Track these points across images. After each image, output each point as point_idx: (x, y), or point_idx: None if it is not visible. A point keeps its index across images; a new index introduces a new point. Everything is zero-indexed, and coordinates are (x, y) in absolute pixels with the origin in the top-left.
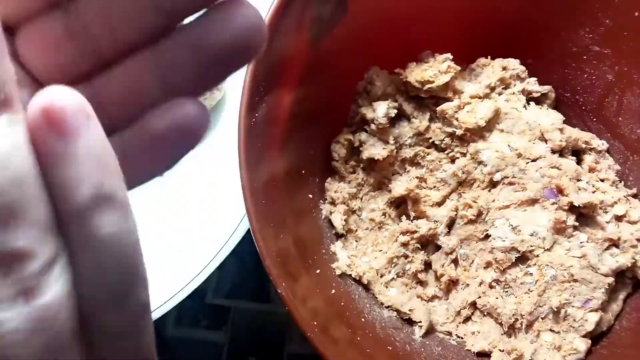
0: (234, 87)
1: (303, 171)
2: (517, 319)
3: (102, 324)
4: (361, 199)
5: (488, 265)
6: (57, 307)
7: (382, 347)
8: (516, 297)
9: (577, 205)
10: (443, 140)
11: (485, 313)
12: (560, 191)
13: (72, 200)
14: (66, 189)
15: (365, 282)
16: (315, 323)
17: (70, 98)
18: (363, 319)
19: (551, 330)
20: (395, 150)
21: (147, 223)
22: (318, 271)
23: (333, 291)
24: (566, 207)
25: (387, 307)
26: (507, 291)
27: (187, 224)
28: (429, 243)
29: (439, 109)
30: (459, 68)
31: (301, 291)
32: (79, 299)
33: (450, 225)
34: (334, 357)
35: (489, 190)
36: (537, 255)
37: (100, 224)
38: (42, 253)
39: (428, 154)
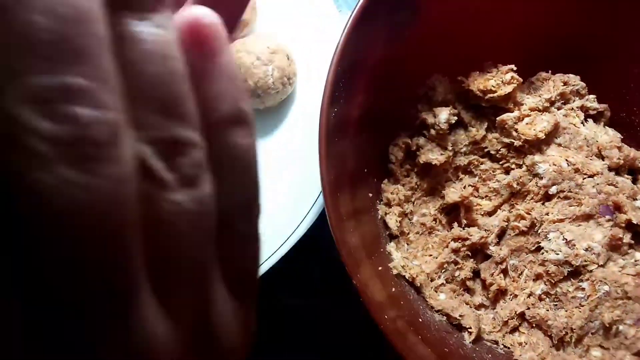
0: (305, 82)
1: (365, 170)
2: (566, 333)
3: (235, 228)
4: (413, 203)
5: (538, 277)
6: (212, 201)
7: (440, 347)
8: (566, 310)
9: (635, 222)
10: (499, 150)
11: (534, 325)
12: (617, 208)
13: (214, 115)
14: (209, 103)
15: (418, 285)
16: (386, 317)
17: (215, 18)
18: (420, 319)
19: (601, 347)
20: (451, 157)
21: None
22: (380, 268)
23: (393, 289)
24: (623, 225)
25: (438, 311)
26: (556, 304)
27: None
28: (478, 252)
29: (498, 118)
30: (521, 80)
31: (370, 285)
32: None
33: (500, 235)
34: (406, 350)
35: (543, 203)
36: (591, 271)
37: (238, 138)
38: (202, 146)
39: (482, 163)
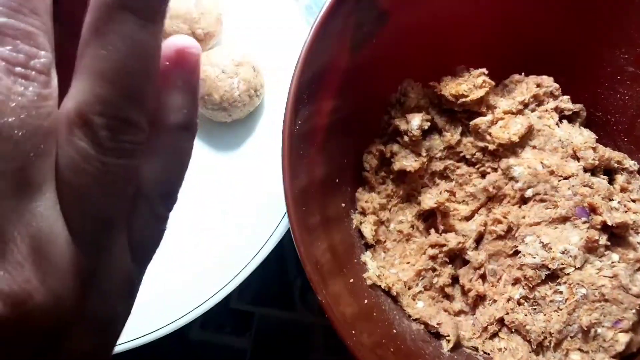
0: (272, 93)
1: (337, 180)
2: (545, 337)
3: (153, 208)
4: (390, 210)
5: (516, 281)
6: (134, 174)
7: (415, 359)
8: (545, 315)
9: (610, 224)
10: (474, 154)
11: (513, 330)
12: (593, 210)
13: (171, 117)
14: (170, 107)
15: (394, 294)
16: (353, 332)
17: (199, 50)
18: (394, 330)
19: (580, 350)
20: (426, 162)
21: (179, 231)
22: (352, 280)
23: (366, 301)
24: (599, 226)
25: (415, 319)
26: (535, 308)
27: (220, 232)
28: (456, 257)
29: (472, 123)
30: (493, 83)
31: (338, 299)
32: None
33: (478, 240)
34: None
35: (519, 207)
36: (568, 274)
37: (181, 140)
38: (145, 132)
39: (458, 168)
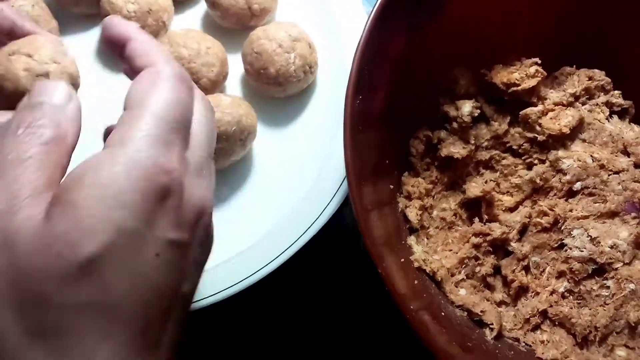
0: (325, 71)
1: (387, 161)
2: (590, 332)
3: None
4: (433, 197)
5: (561, 274)
6: None
7: (464, 341)
8: (590, 309)
9: None
10: (521, 145)
11: (557, 323)
12: None
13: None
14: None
15: (439, 279)
16: (411, 307)
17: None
18: (443, 313)
19: (626, 346)
20: (473, 151)
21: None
22: (402, 260)
23: (416, 282)
24: None
25: (459, 306)
26: (579, 302)
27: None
28: (498, 248)
29: (522, 112)
30: (545, 73)
31: (394, 276)
32: None
33: (521, 231)
34: (431, 342)
35: (566, 200)
36: (616, 269)
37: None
38: None
39: (503, 159)
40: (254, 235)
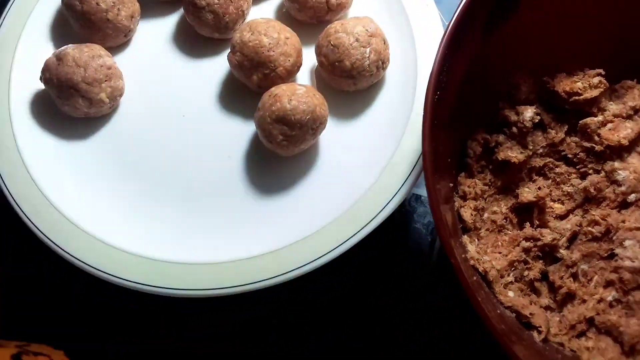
0: (394, 68)
1: (449, 159)
2: (638, 341)
3: None
4: (485, 199)
5: (609, 284)
6: None
7: (519, 337)
8: (639, 319)
9: None
10: (577, 154)
11: (603, 331)
12: None
13: None
14: None
15: (490, 279)
16: (479, 299)
17: None
18: (498, 311)
19: None
20: (530, 156)
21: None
22: (463, 255)
23: (474, 277)
24: None
25: (507, 307)
26: (627, 312)
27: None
28: (546, 254)
29: (581, 122)
30: (608, 85)
31: (461, 269)
32: None
33: (571, 239)
34: (497, 324)
35: (619, 211)
36: None
37: None
38: None
39: (557, 167)
40: (315, 224)
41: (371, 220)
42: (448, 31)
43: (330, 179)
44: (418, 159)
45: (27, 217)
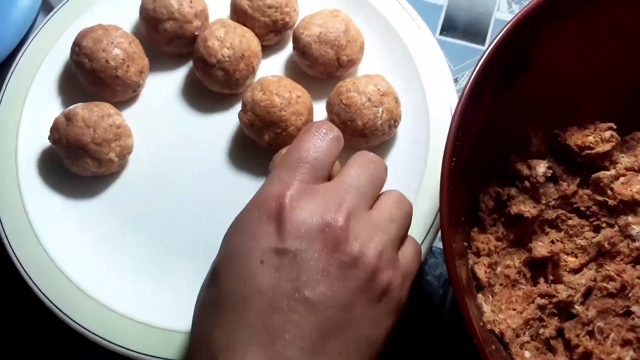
0: (405, 125)
1: (462, 218)
2: None
3: None
4: (498, 254)
5: (626, 342)
6: None
7: None
8: None
9: None
10: (590, 207)
11: None
12: None
13: None
14: None
15: (507, 341)
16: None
17: None
18: None
19: None
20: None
21: None
22: (479, 316)
23: (492, 343)
24: None
25: None
26: None
27: None
28: (561, 310)
29: (594, 176)
30: (619, 138)
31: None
32: None
33: (585, 294)
34: None
35: (634, 266)
36: None
37: None
38: None
39: (569, 219)
40: None
41: None
42: (463, 98)
43: None
44: (433, 222)
45: (32, 280)
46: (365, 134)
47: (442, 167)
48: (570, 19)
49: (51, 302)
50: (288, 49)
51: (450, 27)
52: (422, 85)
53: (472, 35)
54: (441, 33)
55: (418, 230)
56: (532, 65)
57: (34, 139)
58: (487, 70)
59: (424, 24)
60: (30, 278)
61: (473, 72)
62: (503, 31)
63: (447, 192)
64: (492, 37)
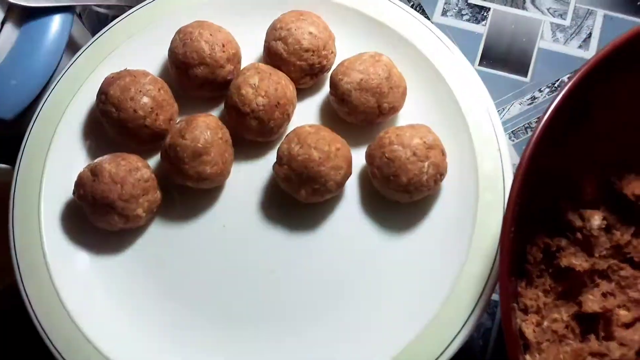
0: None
1: (512, 277)
2: None
3: None
4: (544, 307)
5: None
6: None
7: None
8: None
9: None
10: None
11: None
12: None
13: None
14: None
15: None
16: None
17: None
18: None
19: None
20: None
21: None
22: None
23: None
24: None
25: None
26: None
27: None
28: None
29: None
30: None
31: None
32: None
33: (639, 351)
34: None
35: None
36: None
37: None
38: None
39: (622, 269)
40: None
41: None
42: (528, 152)
43: (385, 310)
44: (483, 288)
45: (58, 352)
46: (409, 190)
47: (504, 224)
48: (629, 73)
49: None
50: (324, 91)
51: (490, 57)
52: (470, 135)
53: (513, 66)
54: (480, 63)
55: (470, 294)
56: (592, 115)
57: (58, 192)
58: (547, 129)
59: (469, 65)
60: (51, 342)
61: (540, 124)
62: (570, 83)
63: (508, 251)
64: (535, 67)
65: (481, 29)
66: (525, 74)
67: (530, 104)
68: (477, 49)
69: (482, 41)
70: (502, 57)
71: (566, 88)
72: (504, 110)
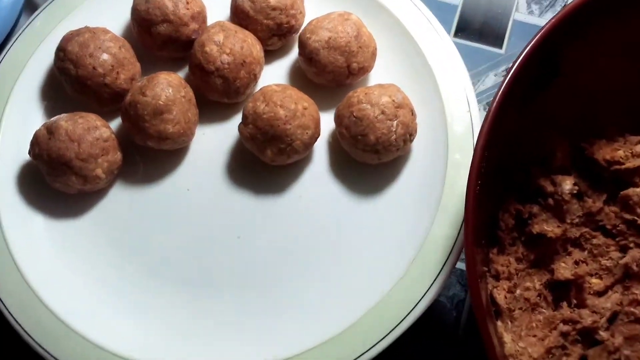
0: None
1: (482, 241)
2: None
3: None
4: (517, 275)
5: None
6: None
7: None
8: None
9: None
10: (616, 226)
11: None
12: None
13: None
14: None
15: None
16: None
17: None
18: None
19: None
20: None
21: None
22: (499, 347)
23: None
24: None
25: None
26: None
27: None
28: (585, 336)
29: (622, 193)
30: None
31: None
32: None
33: (610, 319)
34: None
35: None
36: None
37: None
38: None
39: (594, 237)
40: (336, 325)
41: (395, 327)
42: (491, 114)
43: (352, 271)
44: (452, 246)
45: (9, 312)
46: (377, 149)
47: (468, 189)
48: (601, 27)
49: (29, 335)
50: (293, 54)
51: (466, 29)
52: (441, 96)
53: (488, 37)
54: (456, 35)
55: (437, 255)
56: (560, 76)
57: (14, 152)
58: (515, 83)
59: (442, 27)
60: (5, 307)
61: (502, 86)
62: (534, 40)
63: (473, 214)
64: (510, 39)
65: (456, 0)
66: (500, 46)
67: (505, 75)
68: (452, 20)
69: (457, 13)
70: (477, 29)
71: (535, 39)
72: (479, 82)
